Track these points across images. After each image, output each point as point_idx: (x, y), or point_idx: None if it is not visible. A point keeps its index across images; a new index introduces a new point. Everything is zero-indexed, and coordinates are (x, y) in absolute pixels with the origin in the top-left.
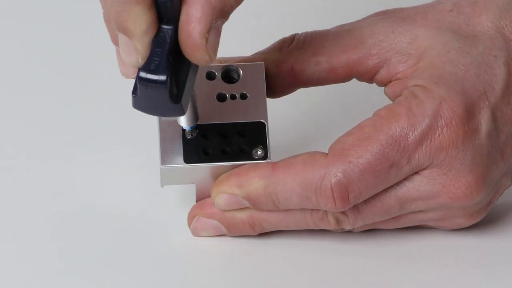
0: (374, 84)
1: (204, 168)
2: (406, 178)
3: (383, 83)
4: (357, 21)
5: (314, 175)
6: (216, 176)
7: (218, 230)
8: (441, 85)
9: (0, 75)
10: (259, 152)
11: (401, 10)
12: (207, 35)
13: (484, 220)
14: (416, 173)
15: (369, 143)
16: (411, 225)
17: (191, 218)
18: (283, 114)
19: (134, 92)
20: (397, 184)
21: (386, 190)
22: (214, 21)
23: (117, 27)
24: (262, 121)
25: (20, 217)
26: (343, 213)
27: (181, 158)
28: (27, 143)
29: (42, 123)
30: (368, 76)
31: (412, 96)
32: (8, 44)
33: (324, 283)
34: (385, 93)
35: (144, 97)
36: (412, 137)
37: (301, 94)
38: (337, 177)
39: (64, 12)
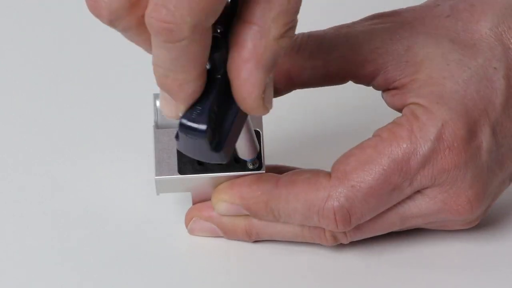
0: (373, 90)
1: (199, 179)
2: (407, 197)
3: (380, 89)
4: (354, 24)
5: (317, 197)
6: (211, 185)
7: (214, 233)
8: (443, 106)
9: (1, 76)
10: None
11: (398, 14)
12: (263, 94)
13: (484, 223)
14: (418, 191)
15: (372, 166)
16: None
17: (188, 219)
18: (278, 118)
19: (177, 137)
20: (398, 203)
21: (387, 209)
22: (264, 76)
23: (159, 85)
24: (257, 129)
25: (20, 218)
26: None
27: (175, 169)
28: (27, 144)
29: (42, 124)
30: (365, 82)
31: (414, 117)
32: (10, 44)
33: (323, 286)
34: (382, 97)
35: (186, 142)
36: (414, 161)
37: (297, 98)
38: (339, 201)
39: (65, 12)
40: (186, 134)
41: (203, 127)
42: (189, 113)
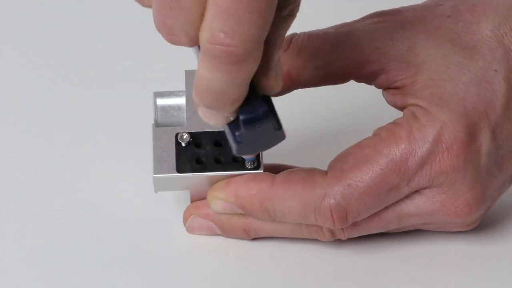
0: (373, 88)
1: (197, 177)
2: (405, 196)
3: (381, 87)
4: (354, 23)
5: (313, 195)
6: (209, 183)
7: (212, 231)
8: (442, 108)
9: (1, 76)
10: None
11: (399, 12)
12: (274, 72)
13: (484, 224)
14: (416, 191)
15: (369, 166)
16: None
17: (186, 217)
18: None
19: (239, 139)
20: (396, 201)
21: (384, 207)
22: (276, 55)
23: (208, 107)
24: None
25: (20, 218)
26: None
27: (174, 167)
28: (27, 144)
29: (42, 124)
30: (366, 81)
31: (413, 118)
32: (10, 44)
33: (322, 285)
34: (383, 95)
35: (250, 139)
36: (412, 162)
37: (297, 97)
38: (336, 199)
39: (65, 12)
40: (254, 126)
41: (264, 109)
42: (243, 109)
